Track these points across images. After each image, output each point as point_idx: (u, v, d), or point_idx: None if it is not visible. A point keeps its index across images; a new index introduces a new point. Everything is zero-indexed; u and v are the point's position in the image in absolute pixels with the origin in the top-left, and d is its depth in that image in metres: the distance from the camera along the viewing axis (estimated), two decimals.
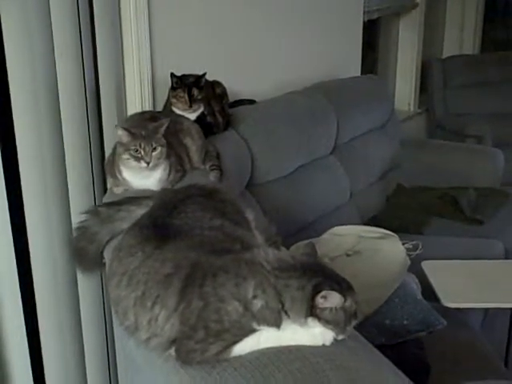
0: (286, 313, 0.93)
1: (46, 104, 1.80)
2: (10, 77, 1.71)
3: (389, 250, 2.02)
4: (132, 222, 1.27)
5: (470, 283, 2.10)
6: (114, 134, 1.84)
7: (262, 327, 0.94)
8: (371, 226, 2.39)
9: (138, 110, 2.05)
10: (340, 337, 0.96)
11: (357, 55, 3.54)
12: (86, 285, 1.95)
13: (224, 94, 2.19)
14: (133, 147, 1.55)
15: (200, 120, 1.97)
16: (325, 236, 2.17)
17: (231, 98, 2.30)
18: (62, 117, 1.81)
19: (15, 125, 1.75)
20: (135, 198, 1.45)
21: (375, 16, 3.82)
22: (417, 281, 2.03)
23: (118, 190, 1.66)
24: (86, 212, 1.47)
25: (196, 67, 2.03)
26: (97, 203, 1.91)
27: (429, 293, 2.01)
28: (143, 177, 1.61)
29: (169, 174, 1.64)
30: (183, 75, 1.97)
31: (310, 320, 0.93)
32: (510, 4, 5.66)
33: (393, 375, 0.96)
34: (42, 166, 1.83)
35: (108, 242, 1.42)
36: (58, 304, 1.96)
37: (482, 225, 2.93)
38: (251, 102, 2.56)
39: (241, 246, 1.08)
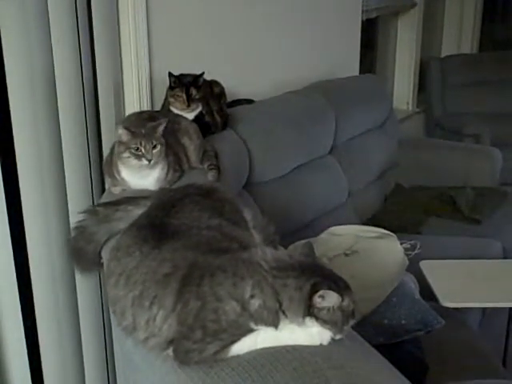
0: (283, 312, 0.93)
1: (43, 103, 1.80)
2: (7, 69, 1.71)
3: (387, 249, 2.02)
4: (130, 221, 1.27)
5: (468, 283, 2.10)
6: (112, 134, 1.84)
7: (259, 327, 0.94)
8: (369, 225, 2.40)
9: (136, 109, 2.06)
10: (337, 336, 0.95)
11: (355, 54, 3.54)
12: (85, 285, 1.95)
13: (222, 93, 2.19)
14: (133, 145, 1.56)
15: (198, 119, 1.96)
16: (323, 236, 2.17)
17: (229, 98, 2.30)
18: (60, 117, 1.81)
19: (13, 124, 1.75)
20: (133, 198, 1.45)
21: (374, 15, 3.81)
22: (415, 280, 2.03)
23: (116, 190, 1.66)
24: (84, 212, 1.47)
25: (194, 66, 2.03)
26: (95, 203, 1.90)
27: (427, 292, 2.01)
28: (142, 176, 1.61)
29: (167, 174, 1.64)
30: (181, 75, 1.96)
31: (308, 320, 0.93)
32: (509, 3, 5.67)
33: (391, 375, 0.96)
34: (39, 165, 1.83)
35: (106, 241, 1.42)
36: (56, 303, 1.96)
37: (480, 224, 2.94)
38: (249, 101, 2.56)
39: (238, 246, 1.08)
